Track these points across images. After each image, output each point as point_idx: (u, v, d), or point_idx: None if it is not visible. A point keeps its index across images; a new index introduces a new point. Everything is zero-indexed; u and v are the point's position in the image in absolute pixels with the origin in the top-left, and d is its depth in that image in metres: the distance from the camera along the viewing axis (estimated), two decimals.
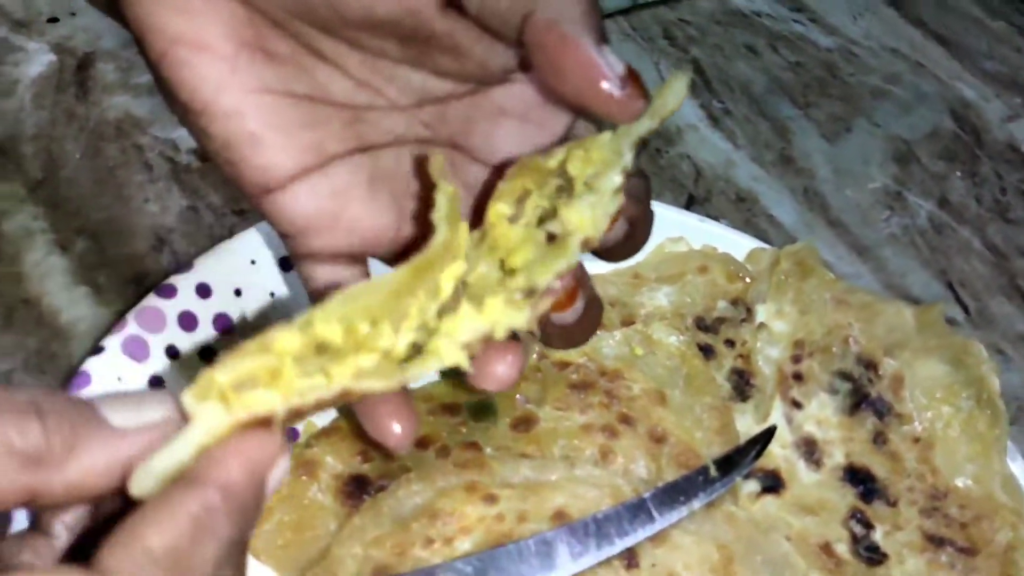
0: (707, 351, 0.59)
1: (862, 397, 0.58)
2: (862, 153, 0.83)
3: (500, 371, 0.39)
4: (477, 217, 0.39)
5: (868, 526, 0.53)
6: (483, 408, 0.52)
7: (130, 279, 0.58)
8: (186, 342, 0.52)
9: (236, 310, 0.54)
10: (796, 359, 0.60)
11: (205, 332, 0.53)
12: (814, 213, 0.76)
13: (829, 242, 0.74)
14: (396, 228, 0.40)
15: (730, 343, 0.60)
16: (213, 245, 0.57)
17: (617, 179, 0.38)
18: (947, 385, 0.58)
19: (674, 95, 0.39)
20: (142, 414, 0.29)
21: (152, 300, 0.52)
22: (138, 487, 0.29)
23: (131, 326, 0.50)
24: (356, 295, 0.32)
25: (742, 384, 0.58)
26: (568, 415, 0.52)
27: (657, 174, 0.75)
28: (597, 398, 0.53)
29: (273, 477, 0.30)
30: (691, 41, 0.91)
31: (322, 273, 0.40)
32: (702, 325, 0.61)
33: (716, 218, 0.73)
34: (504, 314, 0.35)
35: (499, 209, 0.37)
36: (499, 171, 0.39)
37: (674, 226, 0.64)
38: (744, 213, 0.74)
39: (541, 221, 0.38)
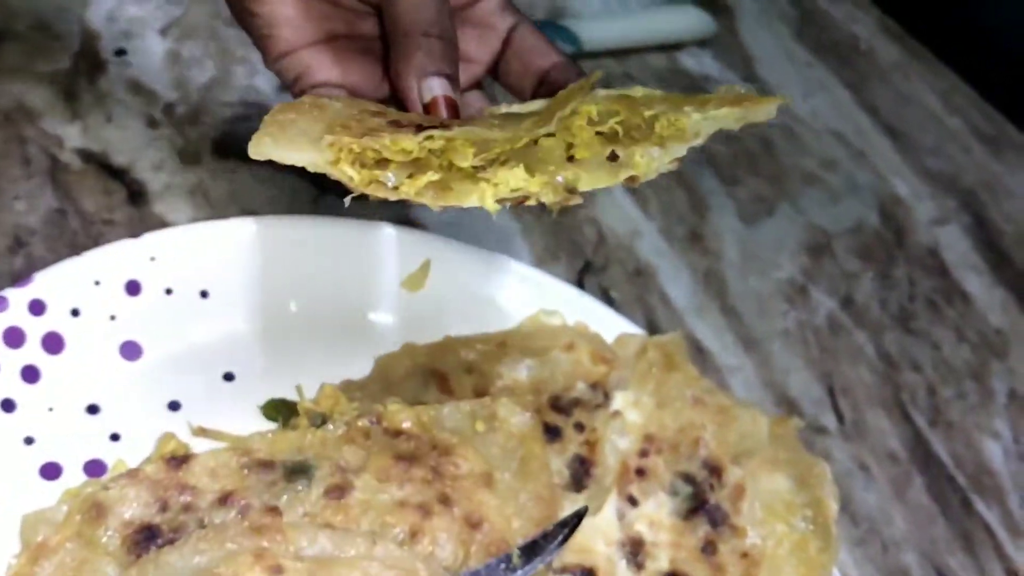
0: (554, 432, 0.58)
1: (700, 503, 0.57)
2: (776, 240, 0.82)
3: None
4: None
5: None
6: (299, 469, 0.51)
7: None
8: (7, 360, 0.51)
9: (70, 330, 0.53)
10: (643, 453, 0.59)
11: (31, 350, 0.52)
12: (710, 297, 0.75)
13: (718, 329, 0.73)
14: (378, 82, 0.54)
15: (580, 427, 0.59)
16: (73, 253, 0.56)
17: (683, 151, 0.48)
18: (787, 502, 0.58)
19: (765, 112, 0.50)
20: None
21: None
22: (256, 152, 0.43)
23: None
24: (470, 134, 0.44)
25: (581, 473, 0.57)
26: (386, 487, 0.51)
27: (557, 235, 0.74)
28: (421, 473, 0.52)
29: None
30: None
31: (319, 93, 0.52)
32: (556, 404, 0.60)
33: (607, 289, 0.72)
34: (544, 190, 0.45)
35: (588, 110, 0.46)
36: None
37: (552, 297, 0.64)
38: (638, 288, 0.73)
39: (612, 136, 0.47)
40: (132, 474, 0.49)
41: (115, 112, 0.68)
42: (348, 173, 0.44)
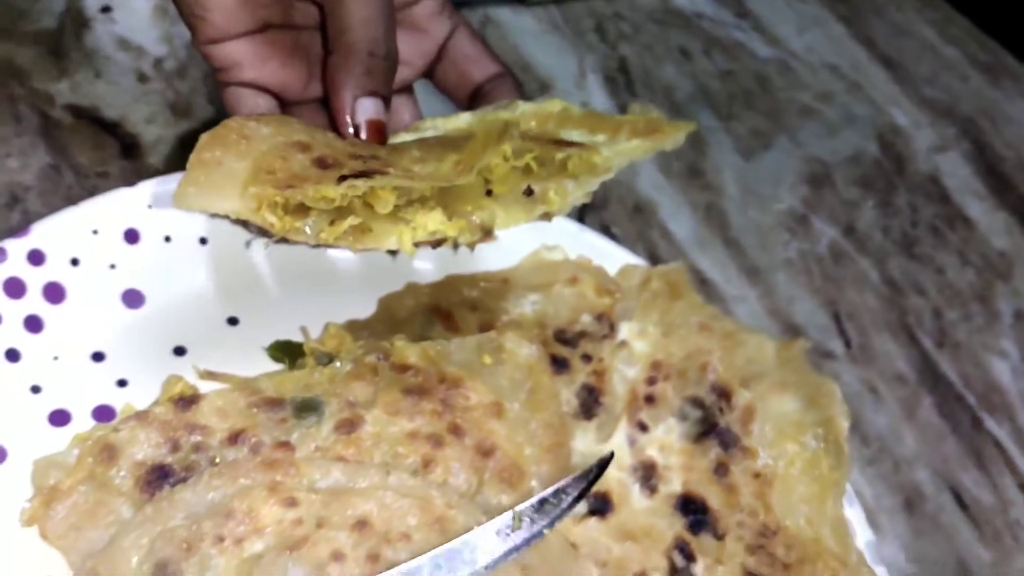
0: (561, 364, 0.58)
1: (710, 426, 0.57)
2: (776, 173, 0.82)
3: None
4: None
5: (690, 558, 0.53)
6: (308, 405, 0.51)
7: None
8: (9, 310, 0.50)
9: (70, 279, 0.53)
10: (651, 381, 0.59)
11: (33, 300, 0.51)
12: (712, 231, 0.75)
13: (720, 262, 0.73)
14: (305, 83, 0.54)
15: (587, 358, 0.59)
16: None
17: (596, 185, 0.51)
18: (797, 422, 0.58)
19: (673, 141, 0.53)
20: None
21: None
22: (181, 203, 0.47)
23: None
24: (391, 182, 0.47)
25: (590, 401, 0.57)
26: (396, 420, 0.51)
27: None
28: (431, 405, 0.52)
29: None
30: (622, 38, 0.89)
31: (245, 97, 0.53)
32: (562, 337, 0.60)
33: (608, 226, 0.72)
34: (460, 233, 0.49)
35: (504, 149, 0.49)
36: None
37: (553, 232, 0.63)
38: (639, 224, 0.73)
39: (527, 169, 0.51)
40: (141, 416, 0.49)
41: (104, 68, 0.67)
42: (269, 220, 0.46)
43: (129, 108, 0.65)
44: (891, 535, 0.61)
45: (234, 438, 0.49)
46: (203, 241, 0.57)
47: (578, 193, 0.52)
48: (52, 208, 0.59)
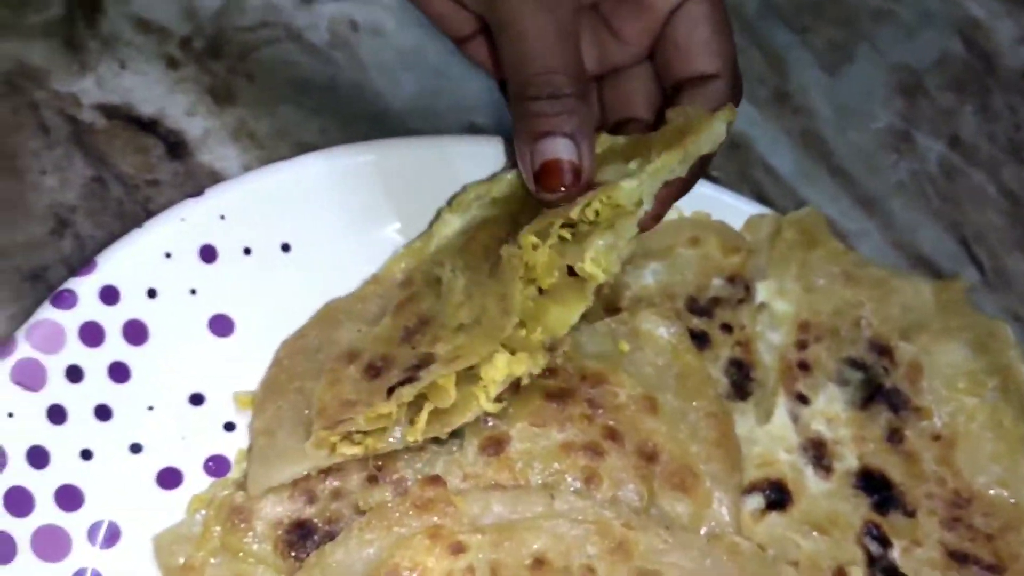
0: (701, 339, 0.52)
1: (875, 388, 0.52)
2: (865, 86, 0.74)
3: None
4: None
5: (885, 543, 0.47)
6: None
7: (27, 275, 0.49)
8: (91, 361, 0.43)
9: (151, 315, 0.46)
10: (801, 345, 0.53)
11: (114, 345, 0.44)
12: (814, 160, 0.68)
13: (832, 194, 0.66)
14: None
15: (727, 328, 0.53)
16: (124, 225, 0.48)
17: (634, 228, 0.44)
18: (970, 373, 0.52)
19: (709, 140, 0.45)
20: None
21: (46, 311, 0.43)
22: (257, 489, 0.42)
23: (22, 347, 0.42)
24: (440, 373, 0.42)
25: (741, 378, 0.51)
26: (545, 432, 0.45)
27: None
28: (578, 409, 0.46)
29: None
30: None
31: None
32: (695, 307, 0.53)
33: (708, 172, 0.65)
34: (529, 365, 0.43)
35: (530, 239, 0.43)
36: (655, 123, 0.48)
37: None
38: (738, 163, 0.66)
39: (563, 241, 0.44)
40: None
41: (127, 57, 0.59)
42: (350, 453, 0.42)
43: (165, 100, 0.57)
44: None
45: (374, 477, 0.43)
46: (286, 248, 0.50)
47: (620, 244, 0.44)
48: (105, 228, 0.52)
